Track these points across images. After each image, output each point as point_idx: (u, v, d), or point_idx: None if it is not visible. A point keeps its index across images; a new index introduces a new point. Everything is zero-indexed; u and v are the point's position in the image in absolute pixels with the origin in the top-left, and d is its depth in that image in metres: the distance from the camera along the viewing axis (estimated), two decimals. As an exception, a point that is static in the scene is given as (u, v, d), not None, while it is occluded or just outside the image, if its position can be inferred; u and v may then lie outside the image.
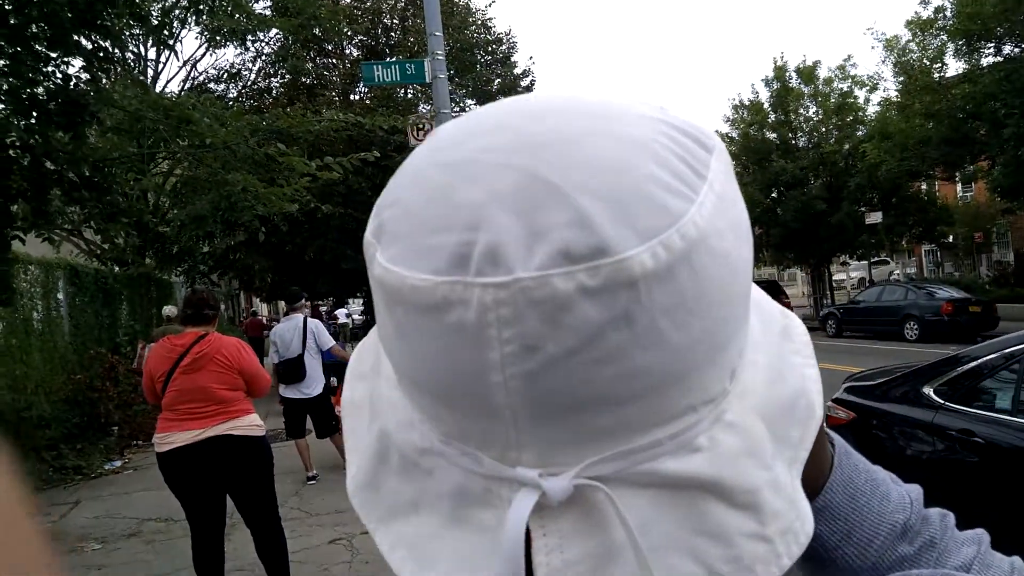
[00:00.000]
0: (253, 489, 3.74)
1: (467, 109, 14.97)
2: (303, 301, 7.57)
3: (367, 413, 0.42)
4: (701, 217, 0.31)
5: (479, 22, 15.17)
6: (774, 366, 0.40)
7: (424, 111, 12.50)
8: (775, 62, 25.75)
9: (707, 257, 0.31)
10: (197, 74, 13.38)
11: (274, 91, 14.39)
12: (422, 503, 0.37)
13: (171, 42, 9.25)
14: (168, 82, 11.71)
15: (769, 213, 25.57)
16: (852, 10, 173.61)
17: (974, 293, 19.46)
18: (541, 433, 0.32)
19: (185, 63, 12.61)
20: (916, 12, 18.10)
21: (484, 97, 15.21)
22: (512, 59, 15.63)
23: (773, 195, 25.56)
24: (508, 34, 15.67)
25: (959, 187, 28.55)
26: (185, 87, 12.72)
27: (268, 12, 11.16)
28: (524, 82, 15.64)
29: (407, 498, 0.38)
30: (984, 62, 17.44)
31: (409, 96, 13.67)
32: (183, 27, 10.59)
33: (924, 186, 25.36)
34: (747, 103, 26.46)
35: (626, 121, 0.34)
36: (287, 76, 13.79)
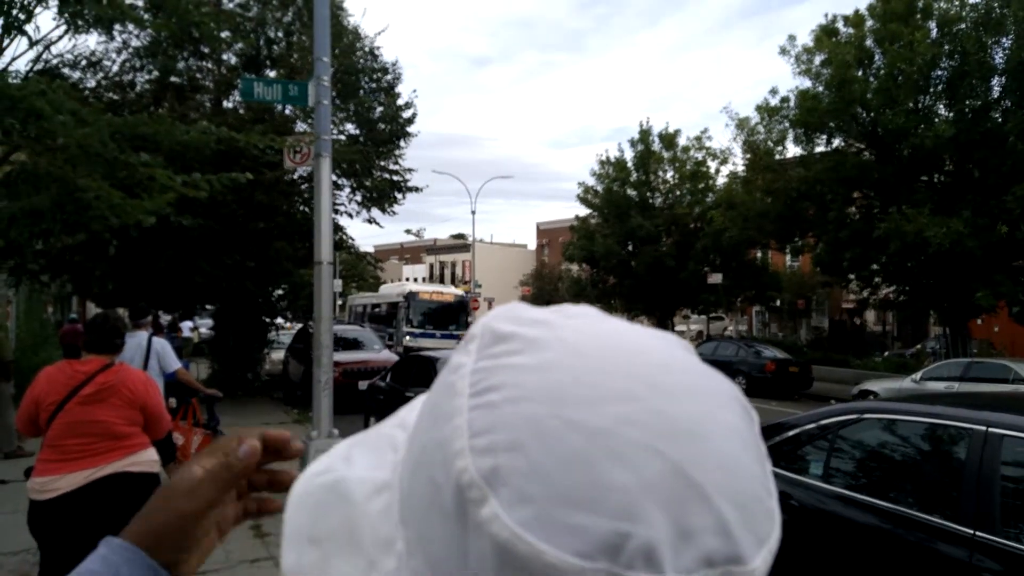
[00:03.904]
0: None
1: (345, 134, 14.72)
2: (149, 318, 7.07)
3: None
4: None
5: (366, 49, 15.05)
6: None
7: (301, 130, 12.13)
8: (641, 125, 27.55)
9: None
10: (51, 56, 12.23)
11: (138, 87, 13.40)
12: None
13: (24, 24, 8.42)
14: (14, 59, 10.57)
15: (624, 265, 27.08)
16: (713, 88, 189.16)
17: (794, 354, 21.54)
18: None
19: (37, 43, 11.49)
20: (766, 99, 20.08)
21: (365, 124, 15.03)
22: (396, 89, 15.63)
23: (629, 248, 27.07)
24: (395, 64, 15.67)
25: (788, 258, 31.66)
26: (34, 68, 11.58)
27: (140, 1, 10.47)
28: (406, 113, 15.67)
29: None
30: (817, 150, 19.60)
31: (287, 112, 13.21)
32: (38, 5, 9.69)
33: (760, 254, 27.91)
34: (613, 160, 28.01)
35: (725, 404, 0.38)
36: (155, 72, 12.91)
